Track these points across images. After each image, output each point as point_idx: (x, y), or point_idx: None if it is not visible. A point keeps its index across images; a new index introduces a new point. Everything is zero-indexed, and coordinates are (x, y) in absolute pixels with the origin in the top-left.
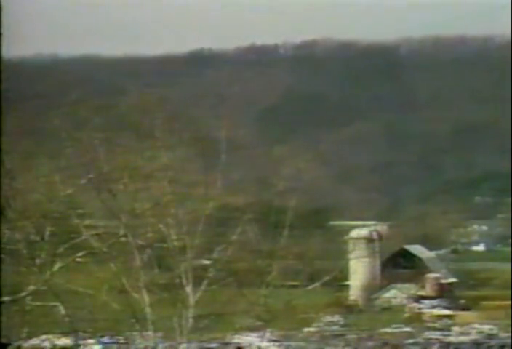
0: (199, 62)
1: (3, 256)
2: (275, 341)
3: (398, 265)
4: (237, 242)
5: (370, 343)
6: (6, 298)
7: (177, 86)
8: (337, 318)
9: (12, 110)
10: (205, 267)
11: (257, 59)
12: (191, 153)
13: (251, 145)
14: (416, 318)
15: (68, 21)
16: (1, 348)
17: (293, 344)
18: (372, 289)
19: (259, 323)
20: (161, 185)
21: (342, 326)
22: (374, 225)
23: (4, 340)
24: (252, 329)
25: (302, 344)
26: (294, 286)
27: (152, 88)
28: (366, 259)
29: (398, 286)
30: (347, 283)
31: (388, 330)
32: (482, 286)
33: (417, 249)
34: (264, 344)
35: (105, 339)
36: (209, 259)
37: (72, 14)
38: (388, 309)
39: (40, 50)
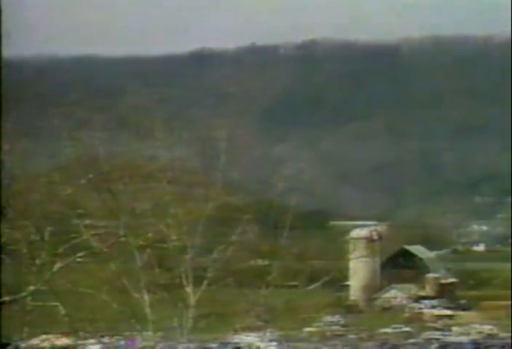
0: (199, 62)
1: (3, 256)
2: (274, 341)
3: (398, 265)
4: (237, 242)
5: (370, 343)
6: (6, 298)
7: (177, 85)
8: (337, 318)
9: (12, 110)
10: (205, 268)
11: (257, 59)
12: (191, 152)
13: (251, 145)
14: (416, 318)
15: (68, 21)
16: (1, 348)
17: (292, 344)
18: (371, 289)
19: (259, 323)
20: (161, 185)
21: (342, 326)
22: (375, 225)
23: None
24: (251, 329)
25: (301, 344)
26: (294, 286)
27: (152, 88)
28: (367, 259)
29: (399, 286)
30: (347, 283)
31: (388, 330)
32: (482, 286)
33: (417, 249)
34: (264, 344)
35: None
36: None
37: (72, 14)
38: (388, 309)
39: (40, 50)
